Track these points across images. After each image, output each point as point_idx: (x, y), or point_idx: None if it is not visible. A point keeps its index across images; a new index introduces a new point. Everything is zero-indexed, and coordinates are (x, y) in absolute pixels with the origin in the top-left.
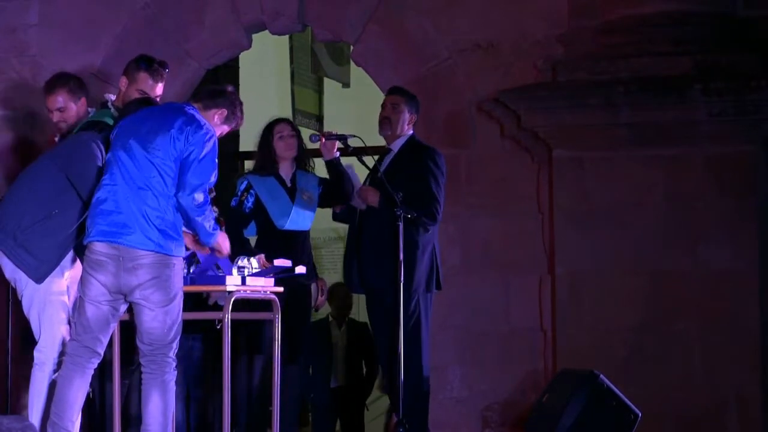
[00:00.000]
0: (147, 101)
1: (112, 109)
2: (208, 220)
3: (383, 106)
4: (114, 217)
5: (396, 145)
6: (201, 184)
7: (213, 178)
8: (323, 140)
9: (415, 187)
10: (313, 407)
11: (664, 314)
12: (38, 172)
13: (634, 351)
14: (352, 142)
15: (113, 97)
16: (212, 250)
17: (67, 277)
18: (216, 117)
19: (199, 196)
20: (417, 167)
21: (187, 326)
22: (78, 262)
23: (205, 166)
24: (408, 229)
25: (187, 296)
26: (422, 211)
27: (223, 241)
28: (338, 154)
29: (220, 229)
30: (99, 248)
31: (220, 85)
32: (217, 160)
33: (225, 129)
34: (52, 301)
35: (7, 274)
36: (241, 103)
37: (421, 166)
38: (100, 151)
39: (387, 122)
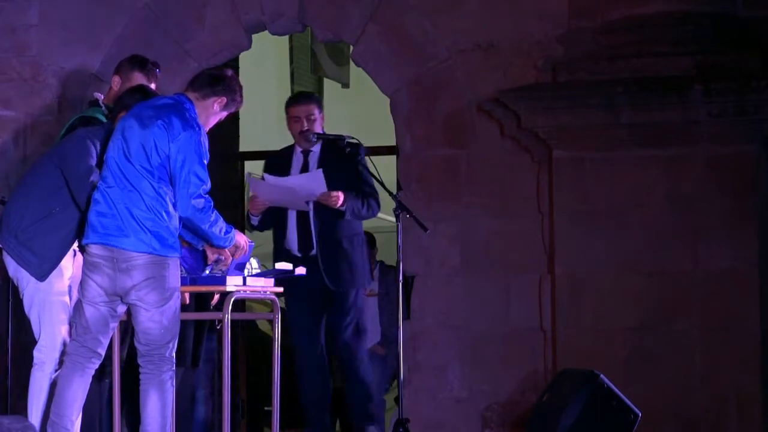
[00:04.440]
0: (143, 91)
1: (103, 108)
2: (216, 224)
3: (297, 118)
4: (108, 219)
5: (316, 147)
6: (194, 191)
7: (206, 179)
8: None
9: (359, 182)
10: None
11: (664, 314)
12: (38, 171)
13: (634, 351)
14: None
15: (102, 96)
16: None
17: (68, 277)
18: (216, 105)
19: (198, 202)
20: (348, 164)
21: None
22: (80, 262)
23: (190, 170)
24: (352, 224)
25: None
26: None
27: (240, 239)
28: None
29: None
30: (95, 250)
31: (219, 71)
32: (206, 161)
33: (224, 115)
34: (53, 301)
35: (10, 273)
36: (241, 87)
37: (351, 162)
38: (95, 148)
39: (311, 134)
